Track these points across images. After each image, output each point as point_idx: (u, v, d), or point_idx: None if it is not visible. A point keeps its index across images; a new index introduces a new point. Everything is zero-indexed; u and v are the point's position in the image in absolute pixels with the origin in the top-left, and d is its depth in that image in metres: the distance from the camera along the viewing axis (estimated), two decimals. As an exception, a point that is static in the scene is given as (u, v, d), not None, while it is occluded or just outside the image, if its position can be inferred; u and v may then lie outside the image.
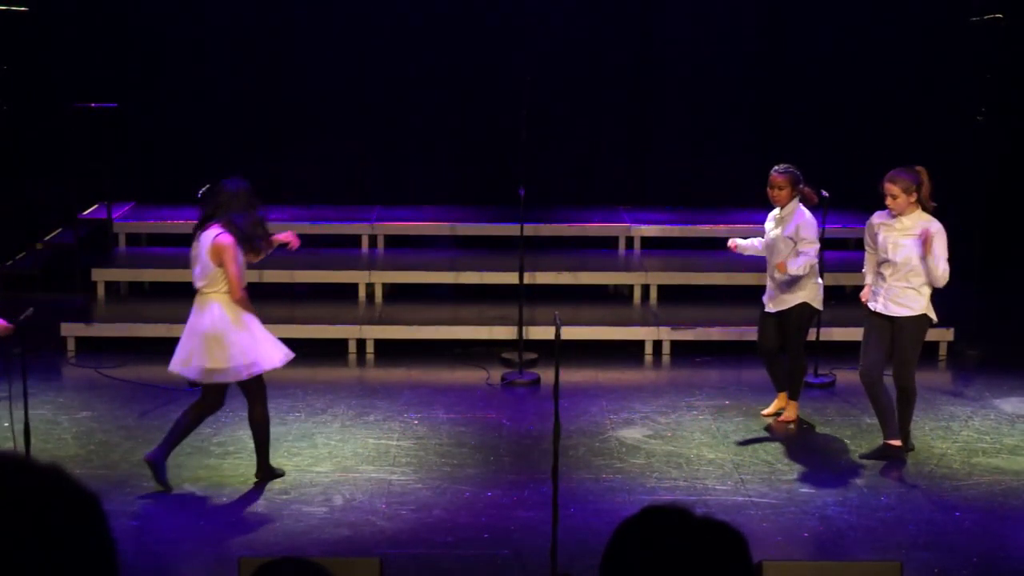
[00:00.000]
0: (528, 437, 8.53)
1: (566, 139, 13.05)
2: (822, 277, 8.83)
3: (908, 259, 7.87)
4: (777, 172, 8.49)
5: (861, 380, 8.11)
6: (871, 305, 8.06)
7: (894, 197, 7.86)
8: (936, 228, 7.86)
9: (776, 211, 8.60)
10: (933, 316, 8.02)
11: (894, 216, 7.93)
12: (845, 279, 10.77)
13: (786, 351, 8.71)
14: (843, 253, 11.51)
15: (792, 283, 8.49)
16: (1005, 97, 12.21)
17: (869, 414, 8.45)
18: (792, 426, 8.79)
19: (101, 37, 12.74)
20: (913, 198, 7.86)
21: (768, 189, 8.51)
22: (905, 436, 8.12)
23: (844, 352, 9.48)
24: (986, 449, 8.38)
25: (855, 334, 9.74)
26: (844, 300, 10.69)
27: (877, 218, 8.06)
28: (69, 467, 2.00)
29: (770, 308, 8.64)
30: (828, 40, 13.00)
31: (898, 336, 7.95)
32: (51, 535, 1.68)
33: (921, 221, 7.88)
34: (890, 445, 8.11)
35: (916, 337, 8.00)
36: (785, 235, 8.45)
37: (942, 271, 7.86)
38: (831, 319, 9.96)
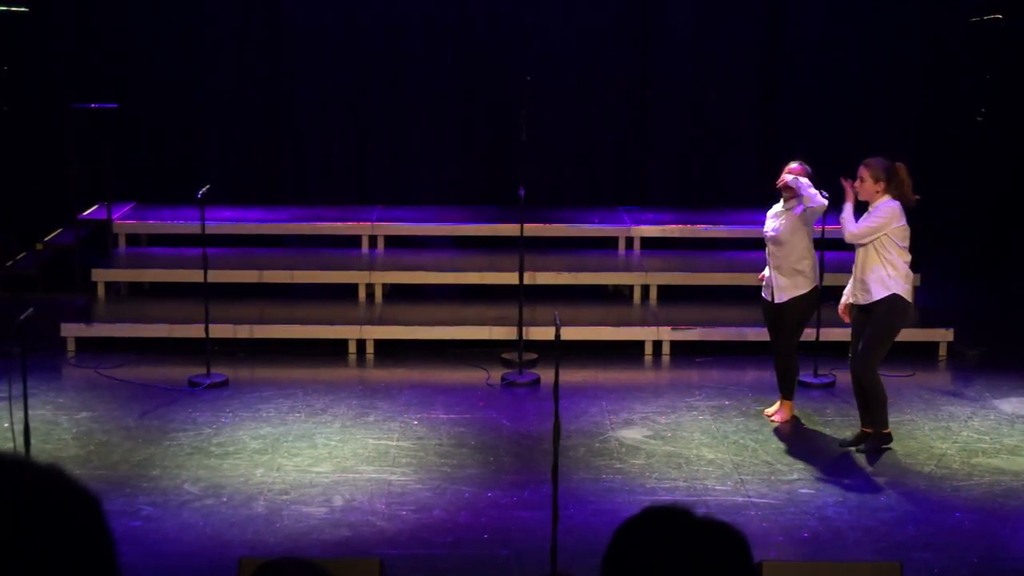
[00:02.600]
0: (528, 437, 8.53)
1: (566, 139, 13.05)
2: (822, 279, 8.86)
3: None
4: (800, 164, 8.52)
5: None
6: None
7: (861, 180, 8.08)
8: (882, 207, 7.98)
9: (779, 206, 8.58)
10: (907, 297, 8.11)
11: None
12: (845, 279, 10.73)
13: (777, 346, 8.70)
14: (843, 254, 11.47)
15: (794, 272, 8.50)
16: (1005, 97, 12.22)
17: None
18: (788, 426, 8.78)
19: (101, 37, 12.74)
20: (880, 187, 8.01)
21: (783, 176, 8.49)
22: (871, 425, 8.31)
23: (844, 352, 9.46)
24: (986, 449, 8.38)
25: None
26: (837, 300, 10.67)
27: None
28: (69, 467, 1.99)
29: (778, 299, 8.59)
30: (828, 41, 13.00)
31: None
32: (51, 535, 1.67)
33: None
34: (883, 433, 8.24)
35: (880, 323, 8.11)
36: (796, 213, 8.42)
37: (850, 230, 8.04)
38: (831, 319, 9.95)
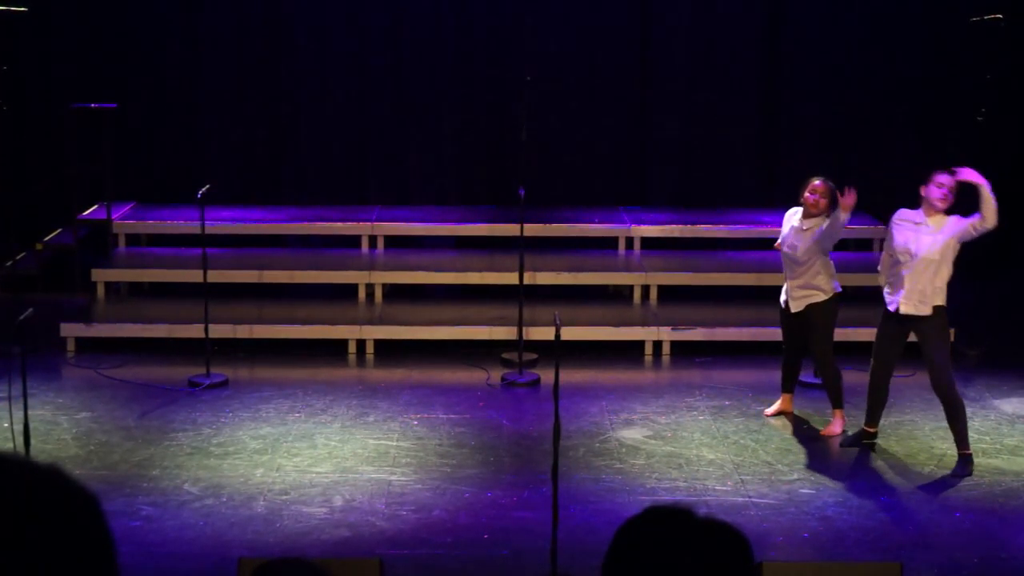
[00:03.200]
0: (528, 437, 8.52)
1: (566, 139, 13.04)
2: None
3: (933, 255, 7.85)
4: (823, 181, 8.41)
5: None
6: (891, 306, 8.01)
7: (951, 191, 7.90)
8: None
9: (797, 217, 8.52)
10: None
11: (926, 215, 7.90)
12: (847, 280, 10.72)
13: (811, 354, 8.64)
14: (845, 254, 11.50)
15: (809, 285, 8.46)
16: (1005, 97, 12.21)
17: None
18: (789, 425, 8.78)
19: (101, 37, 12.74)
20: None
21: (814, 195, 8.36)
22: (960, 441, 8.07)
23: (845, 352, 9.46)
24: (986, 449, 8.37)
25: (857, 335, 9.77)
26: (845, 300, 10.66)
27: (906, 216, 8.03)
28: (69, 468, 2.00)
29: (794, 308, 8.56)
30: (828, 40, 12.99)
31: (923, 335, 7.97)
32: (51, 535, 1.67)
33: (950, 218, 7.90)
34: (965, 455, 8.05)
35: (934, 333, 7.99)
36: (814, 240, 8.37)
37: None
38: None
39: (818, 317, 8.47)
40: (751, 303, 10.52)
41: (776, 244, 8.78)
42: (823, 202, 8.36)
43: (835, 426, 8.62)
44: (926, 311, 7.84)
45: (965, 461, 7.95)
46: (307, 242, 12.43)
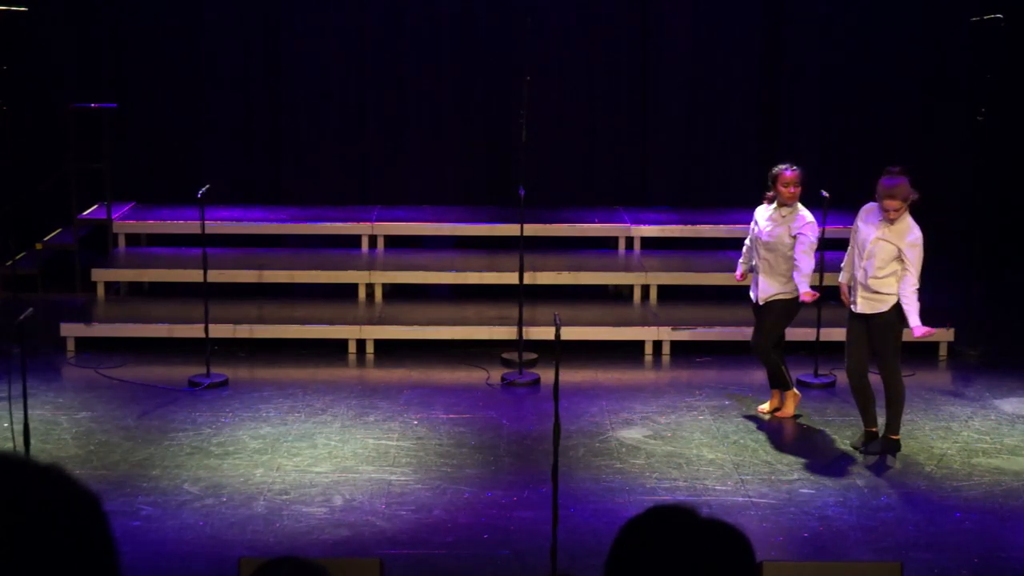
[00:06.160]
0: (528, 437, 8.52)
1: (566, 139, 13.05)
2: (822, 279, 8.87)
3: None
4: (799, 171, 8.50)
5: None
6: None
7: (896, 210, 7.82)
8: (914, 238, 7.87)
9: (771, 210, 8.61)
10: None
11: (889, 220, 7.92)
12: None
13: (762, 344, 8.72)
14: (843, 253, 11.48)
15: (780, 278, 8.57)
16: (1005, 97, 12.21)
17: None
18: (789, 424, 8.79)
19: (101, 37, 12.74)
20: (907, 203, 7.88)
21: (790, 188, 8.45)
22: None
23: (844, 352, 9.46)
24: (986, 449, 8.37)
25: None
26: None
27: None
28: (69, 467, 1.99)
29: (759, 298, 8.68)
30: (828, 40, 13.00)
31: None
32: (51, 535, 1.67)
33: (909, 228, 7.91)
34: (891, 439, 8.17)
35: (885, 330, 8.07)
36: (791, 232, 8.50)
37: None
38: (831, 319, 9.95)
39: (774, 308, 8.61)
40: (751, 303, 10.49)
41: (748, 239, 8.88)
42: (799, 190, 8.52)
43: (787, 407, 8.87)
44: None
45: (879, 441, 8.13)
46: (307, 242, 12.42)
